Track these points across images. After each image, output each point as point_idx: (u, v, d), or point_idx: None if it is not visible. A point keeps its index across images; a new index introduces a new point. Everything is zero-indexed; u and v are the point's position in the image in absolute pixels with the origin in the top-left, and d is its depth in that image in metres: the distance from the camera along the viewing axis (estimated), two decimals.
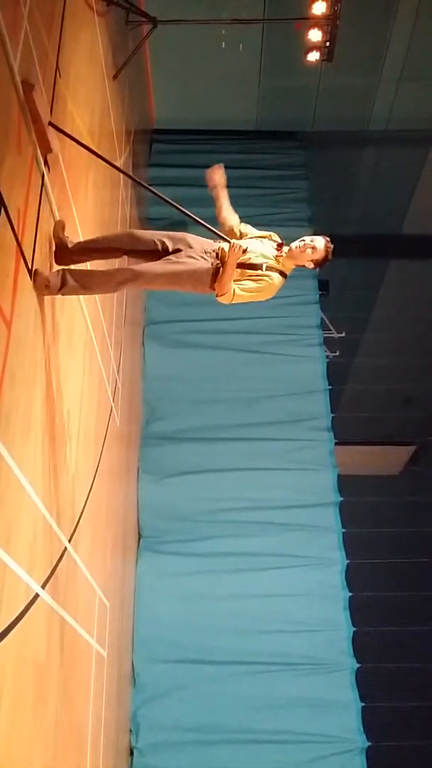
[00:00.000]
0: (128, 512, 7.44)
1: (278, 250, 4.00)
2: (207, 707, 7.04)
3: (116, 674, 6.10)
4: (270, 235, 4.11)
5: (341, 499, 8.26)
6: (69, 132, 3.83)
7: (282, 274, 3.98)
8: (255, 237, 4.08)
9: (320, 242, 4.01)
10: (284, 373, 9.00)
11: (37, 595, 3.32)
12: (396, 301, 11.20)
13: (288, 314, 9.34)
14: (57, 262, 3.76)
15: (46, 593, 3.52)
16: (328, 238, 4.06)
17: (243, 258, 3.79)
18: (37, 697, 3.41)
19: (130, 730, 6.96)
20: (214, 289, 3.83)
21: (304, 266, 4.06)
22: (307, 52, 7.93)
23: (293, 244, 4.01)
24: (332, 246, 4.04)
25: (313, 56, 7.91)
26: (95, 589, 5.09)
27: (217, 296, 3.87)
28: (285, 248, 4.02)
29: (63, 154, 4.01)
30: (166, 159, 10.09)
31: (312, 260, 4.01)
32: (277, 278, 3.93)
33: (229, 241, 3.81)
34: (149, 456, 8.37)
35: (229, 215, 4.17)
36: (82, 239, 4.01)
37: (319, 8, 7.49)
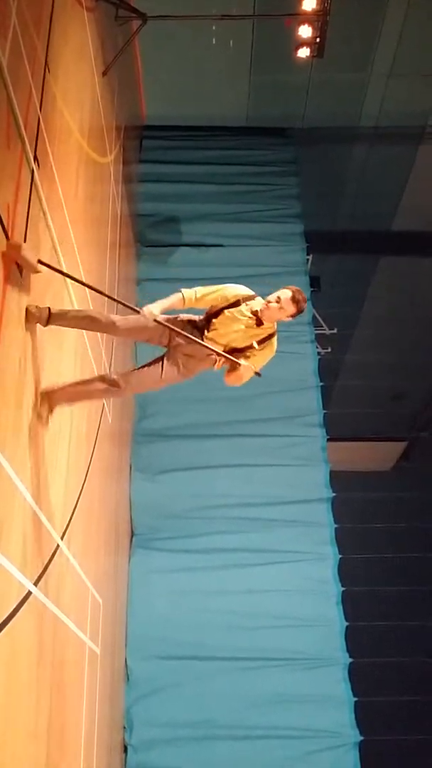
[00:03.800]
0: (121, 509, 7.43)
1: (255, 316, 3.93)
2: (200, 703, 7.06)
3: (109, 671, 6.10)
4: (240, 298, 3.94)
5: (333, 494, 8.29)
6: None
7: (271, 335, 3.99)
8: (227, 307, 3.92)
9: (286, 297, 3.90)
10: (276, 370, 8.86)
11: (29, 593, 3.32)
12: (386, 298, 11.24)
13: None
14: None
15: (39, 591, 3.51)
16: (295, 289, 3.95)
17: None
18: (30, 694, 3.41)
19: (124, 727, 6.97)
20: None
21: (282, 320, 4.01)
22: (297, 48, 7.94)
23: (269, 300, 3.91)
24: (301, 296, 3.94)
25: (303, 52, 7.92)
26: (88, 586, 5.08)
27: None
28: (259, 304, 3.93)
29: (53, 149, 4.00)
30: (157, 155, 10.07)
31: (287, 315, 3.96)
32: (270, 344, 4.01)
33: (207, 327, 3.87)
34: (141, 453, 8.38)
35: (179, 303, 3.90)
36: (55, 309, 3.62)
37: (309, 4, 7.52)
